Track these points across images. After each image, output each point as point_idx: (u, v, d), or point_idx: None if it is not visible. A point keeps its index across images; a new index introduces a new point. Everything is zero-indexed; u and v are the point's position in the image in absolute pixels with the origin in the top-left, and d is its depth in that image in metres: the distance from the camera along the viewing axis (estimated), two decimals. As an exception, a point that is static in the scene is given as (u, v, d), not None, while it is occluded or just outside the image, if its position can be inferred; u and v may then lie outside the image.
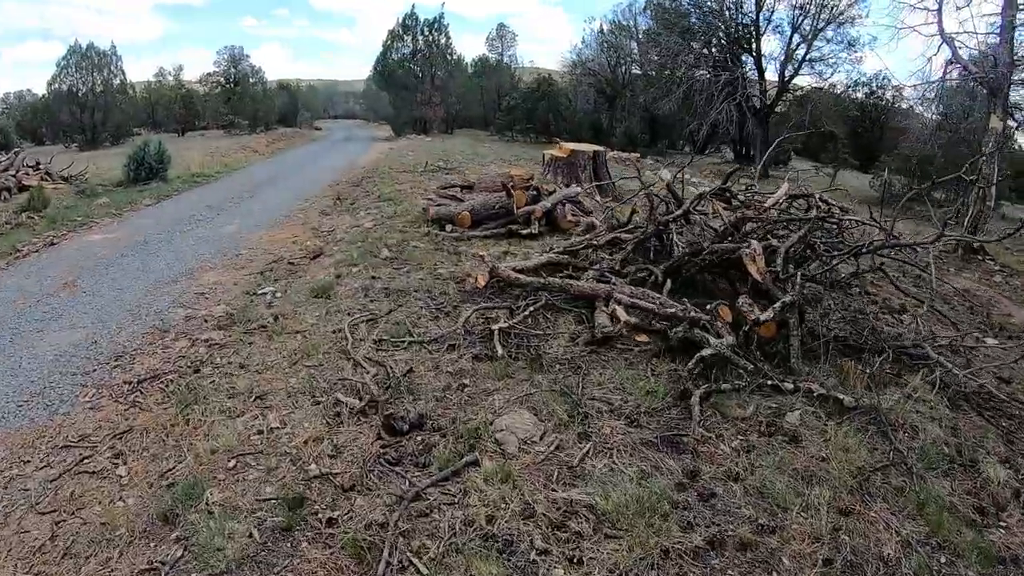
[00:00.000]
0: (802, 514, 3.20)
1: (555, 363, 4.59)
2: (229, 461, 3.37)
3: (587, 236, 7.08)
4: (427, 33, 36.05)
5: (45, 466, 3.49)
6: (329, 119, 60.17)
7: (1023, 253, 13.01)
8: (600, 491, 3.16)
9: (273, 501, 3.04)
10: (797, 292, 4.94)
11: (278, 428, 3.69)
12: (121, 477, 3.34)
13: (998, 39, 10.32)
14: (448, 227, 8.54)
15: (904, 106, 25.17)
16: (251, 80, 41.76)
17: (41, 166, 15.11)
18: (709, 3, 23.00)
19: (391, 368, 4.37)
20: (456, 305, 5.68)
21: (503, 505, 3.02)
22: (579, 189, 9.39)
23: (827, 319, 5.40)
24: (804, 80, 23.88)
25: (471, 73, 40.02)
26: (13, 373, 4.62)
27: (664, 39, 23.28)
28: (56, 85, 32.64)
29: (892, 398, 4.42)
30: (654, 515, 3.03)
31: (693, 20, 23.12)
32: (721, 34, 23.13)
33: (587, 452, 3.52)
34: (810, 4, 20.92)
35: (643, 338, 4.72)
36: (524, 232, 8.28)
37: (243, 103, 39.46)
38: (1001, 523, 3.48)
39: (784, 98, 22.96)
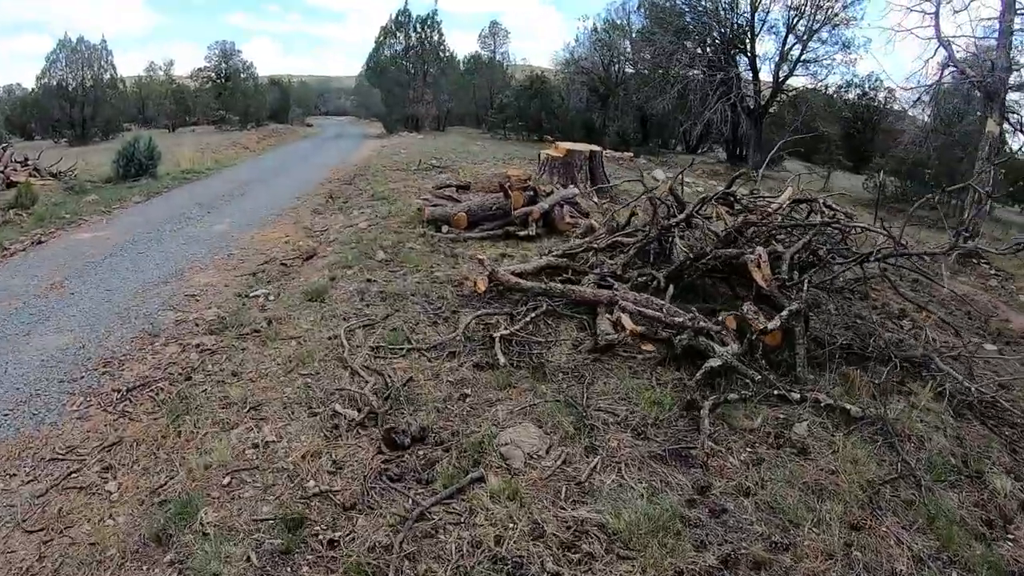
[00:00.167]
0: (814, 530, 3.14)
1: (558, 372, 4.48)
2: (223, 477, 3.23)
3: (587, 239, 6.98)
4: (420, 30, 35.79)
5: (32, 480, 3.34)
6: (320, 115, 59.75)
7: (1017, 257, 13.06)
8: (610, 508, 3.07)
9: (271, 521, 2.91)
10: (804, 300, 4.86)
11: (274, 441, 3.55)
12: (111, 493, 3.20)
13: (996, 43, 10.30)
14: (444, 228, 8.41)
15: (896, 108, 25.27)
16: (242, 75, 41.28)
17: (30, 162, 14.83)
18: (704, 3, 23.00)
19: (390, 377, 4.24)
20: (455, 310, 5.56)
21: (511, 525, 2.91)
22: (577, 190, 9.29)
23: (828, 325, 5.35)
24: (799, 81, 23.94)
25: (463, 70, 39.78)
26: (-1, 379, 4.47)
27: (659, 38, 23.19)
28: (46, 79, 32.19)
29: (898, 408, 4.38)
30: (666, 534, 2.94)
31: (688, 20, 23.05)
32: (716, 34, 23.09)
33: (595, 467, 3.42)
34: (805, 5, 20.95)
35: (649, 347, 4.62)
36: (521, 234, 8.17)
37: (234, 99, 39.00)
38: (1009, 536, 3.44)
39: (778, 99, 22.96)
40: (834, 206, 5.80)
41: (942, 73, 11.54)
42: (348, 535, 2.84)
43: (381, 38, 36.06)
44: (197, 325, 5.51)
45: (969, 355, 5.38)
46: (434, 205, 9.05)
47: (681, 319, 4.56)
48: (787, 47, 21.92)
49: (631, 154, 22.78)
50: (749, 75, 22.71)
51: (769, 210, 5.91)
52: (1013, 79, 10.54)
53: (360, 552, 2.72)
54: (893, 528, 3.26)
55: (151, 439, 3.64)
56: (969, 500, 3.67)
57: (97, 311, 5.83)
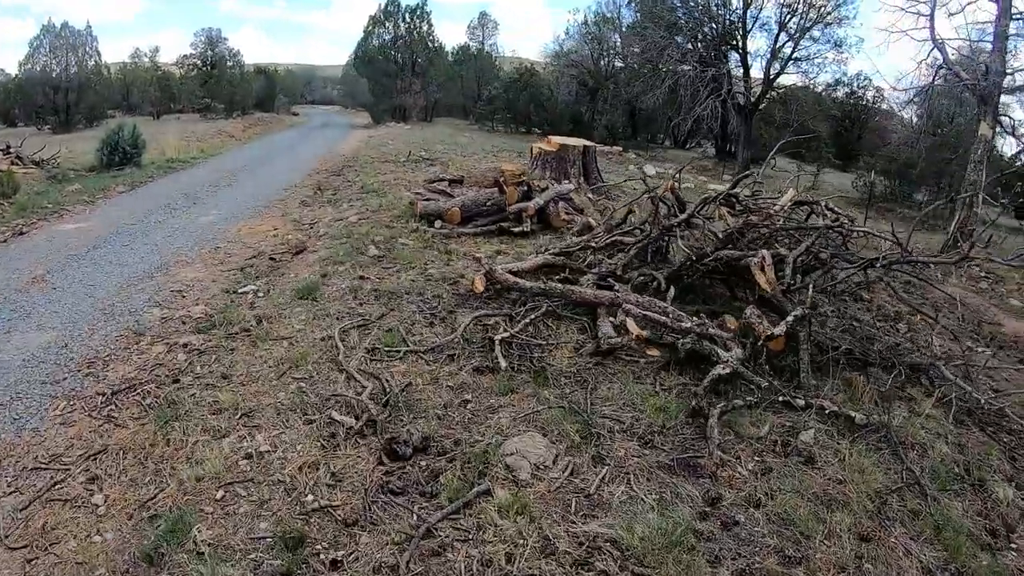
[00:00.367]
0: (825, 542, 3.10)
1: (560, 376, 4.37)
2: (217, 490, 3.08)
3: (584, 237, 6.86)
4: (409, 19, 35.45)
5: (13, 491, 3.17)
6: (306, 104, 59.11)
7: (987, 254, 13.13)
8: (622, 523, 2.97)
9: (269, 540, 2.76)
10: (808, 305, 4.78)
11: (268, 451, 3.39)
12: (97, 506, 3.03)
13: (990, 47, 10.30)
14: (437, 223, 8.25)
15: (884, 107, 25.42)
16: (228, 63, 40.67)
17: (12, 149, 14.46)
18: (696, -1, 22.92)
19: (387, 382, 4.10)
20: (451, 310, 5.42)
21: (521, 541, 2.79)
22: (572, 186, 9.16)
23: (824, 327, 5.29)
24: (790, 79, 23.96)
25: (452, 61, 39.44)
26: (-21, 380, 4.26)
27: (650, 33, 23.07)
28: (29, 65, 31.53)
29: (901, 414, 4.34)
30: (681, 549, 2.86)
31: (679, 15, 22.94)
32: (707, 29, 23.02)
33: (603, 478, 3.31)
34: (798, 3, 20.93)
35: (654, 352, 4.51)
36: (516, 230, 8.03)
37: (220, 87, 38.41)
38: (1012, 545, 3.44)
39: (768, 96, 22.97)
40: (836, 209, 5.73)
41: (935, 75, 11.57)
42: (351, 554, 2.71)
43: (370, 27, 35.67)
44: (184, 323, 5.32)
45: (969, 362, 5.38)
46: (426, 199, 8.88)
47: (688, 324, 4.46)
48: (779, 44, 21.94)
49: (620, 148, 22.71)
50: (740, 72, 22.66)
51: (770, 212, 5.82)
52: (1007, 83, 10.55)
53: (365, 573, 2.59)
54: (901, 539, 3.24)
55: (138, 447, 3.48)
56: (972, 509, 3.65)
57: (80, 307, 5.62)
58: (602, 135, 25.01)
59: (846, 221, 5.48)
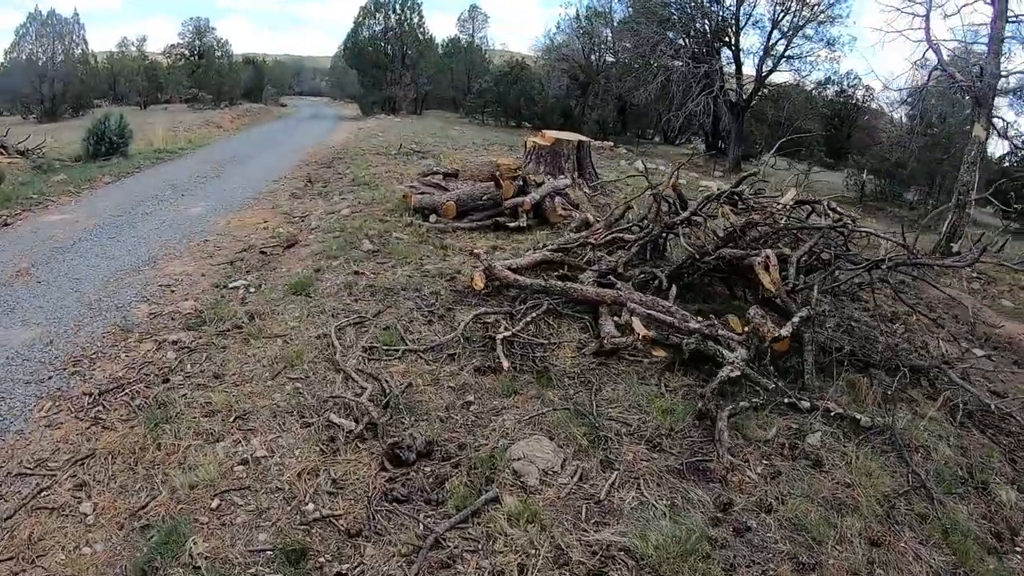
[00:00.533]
0: (837, 547, 3.08)
1: (564, 377, 4.27)
2: (211, 499, 2.93)
3: (583, 234, 6.75)
4: (399, 11, 35.06)
5: (-4, 498, 3.01)
6: (295, 96, 58.51)
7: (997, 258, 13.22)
8: (635, 530, 2.88)
9: (270, 552, 2.63)
10: (813, 306, 4.71)
11: (265, 456, 3.25)
12: (86, 515, 2.88)
13: (985, 49, 10.29)
14: (432, 217, 8.10)
15: (874, 106, 25.53)
16: (216, 53, 40.19)
17: (-3, 139, 14.11)
18: (689, -6, 22.79)
19: (387, 382, 3.97)
20: (449, 307, 5.30)
21: (533, 551, 2.69)
22: (568, 181, 9.05)
23: (825, 328, 5.22)
24: (782, 77, 23.95)
25: (442, 54, 39.14)
26: (-40, 379, 4.08)
27: (643, 28, 22.95)
28: (15, 53, 30.96)
29: (904, 417, 4.30)
30: (695, 557, 2.78)
31: (672, 10, 22.82)
32: (699, 25, 22.94)
33: (613, 483, 3.22)
34: (791, 0, 20.86)
35: (661, 353, 4.41)
36: (512, 225, 7.91)
37: (208, 77, 37.94)
38: (1017, 548, 3.45)
39: (760, 93, 22.94)
40: (839, 209, 5.66)
41: (929, 76, 11.55)
42: (356, 567, 2.58)
43: (360, 18, 35.23)
44: (173, 319, 5.15)
45: (974, 366, 5.36)
46: (421, 193, 8.74)
47: (696, 325, 4.36)
48: (772, 42, 21.89)
49: (611, 143, 22.62)
50: (732, 68, 22.63)
51: (772, 210, 5.74)
52: (1001, 84, 10.56)
53: (371, 588, 2.47)
54: (911, 544, 3.22)
55: (127, 451, 3.32)
56: (977, 512, 3.65)
57: (66, 302, 5.43)
58: (592, 130, 24.89)
59: (849, 221, 5.40)
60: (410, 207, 8.40)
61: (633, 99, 25.10)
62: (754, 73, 22.30)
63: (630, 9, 26.42)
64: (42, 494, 3.02)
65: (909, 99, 14.89)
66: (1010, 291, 9.83)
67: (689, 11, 22.83)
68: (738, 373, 4.03)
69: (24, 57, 30.76)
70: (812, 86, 25.13)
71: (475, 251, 6.34)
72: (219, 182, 11.46)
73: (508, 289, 5.56)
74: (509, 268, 5.70)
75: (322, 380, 4.06)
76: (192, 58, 39.41)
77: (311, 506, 2.91)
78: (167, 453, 3.31)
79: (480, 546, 2.72)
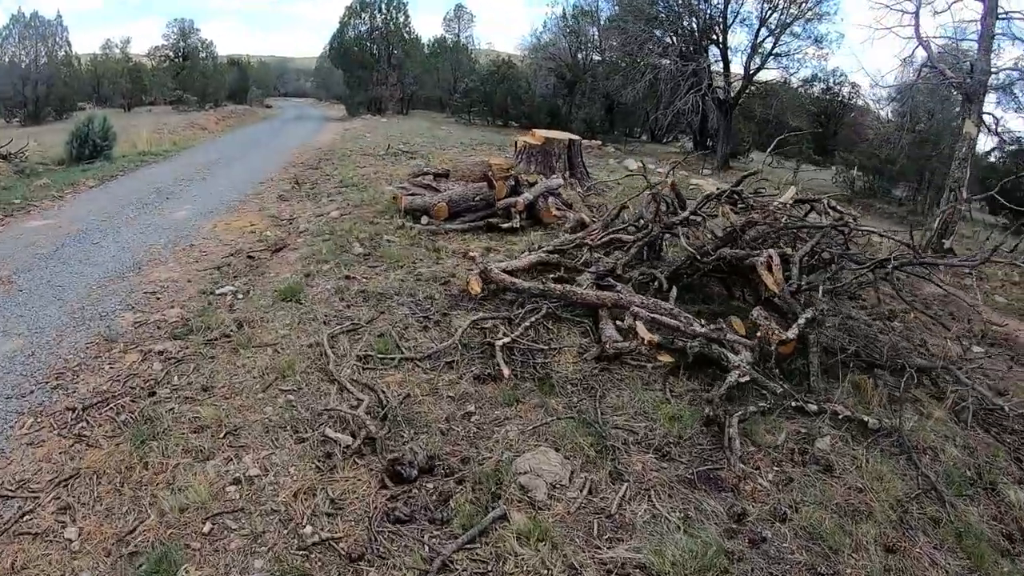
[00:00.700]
0: (853, 555, 3.03)
1: (566, 384, 4.14)
2: (203, 523, 2.76)
3: (579, 235, 6.62)
4: (385, 10, 34.77)
5: (-23, 524, 2.83)
6: (280, 97, 57.99)
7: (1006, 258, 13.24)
8: (650, 546, 2.77)
9: (267, 582, 2.48)
10: (818, 307, 4.62)
11: (258, 475, 3.08)
12: (71, 541, 2.70)
13: (975, 45, 10.27)
14: (423, 219, 7.95)
15: (860, 103, 25.61)
16: (201, 55, 39.84)
17: (-22, 143, 13.77)
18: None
19: (383, 393, 3.82)
20: (445, 312, 5.15)
21: (545, 571, 2.56)
22: (561, 181, 8.93)
23: (824, 327, 5.14)
24: (770, 74, 23.95)
25: (428, 53, 38.89)
26: (-62, 395, 3.88)
27: (631, 26, 22.87)
28: (-3, 56, 30.50)
29: (911, 418, 4.25)
30: (714, 572, 2.69)
31: (659, 8, 22.75)
32: (686, 23, 22.89)
33: (624, 495, 3.10)
34: (779, -2, 20.84)
35: (666, 358, 4.29)
36: (505, 226, 7.78)
37: (192, 78, 37.60)
38: None
39: (747, 91, 22.93)
40: (839, 208, 5.57)
41: (919, 73, 11.56)
42: (359, 595, 2.44)
43: (346, 18, 34.90)
44: (159, 328, 4.97)
45: (979, 365, 5.31)
46: (411, 194, 8.57)
47: (703, 329, 4.25)
48: (759, 40, 21.86)
49: (599, 142, 22.54)
50: (720, 66, 22.59)
51: (771, 209, 5.64)
52: (992, 81, 10.56)
53: (376, 617, 2.33)
54: (926, 549, 3.17)
55: (113, 471, 3.15)
56: (987, 514, 3.61)
57: (48, 311, 5.23)
58: (580, 129, 24.74)
59: (850, 220, 5.32)
60: (400, 209, 8.24)
61: (621, 98, 25.00)
62: (742, 71, 22.28)
63: (617, 7, 26.34)
64: (25, 518, 2.84)
65: (898, 96, 14.92)
66: (1003, 287, 9.83)
67: (676, 9, 22.76)
68: (748, 379, 3.91)
69: (6, 59, 30.43)
70: (798, 83, 25.22)
71: (470, 254, 6.19)
72: (205, 185, 11.24)
73: (504, 293, 5.43)
74: (505, 271, 5.58)
75: (316, 392, 3.90)
76: (177, 60, 39.14)
77: (309, 529, 2.75)
78: (155, 472, 3.14)
79: (490, 568, 2.58)
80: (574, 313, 5.12)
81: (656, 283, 5.53)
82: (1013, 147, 15.72)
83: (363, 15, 34.81)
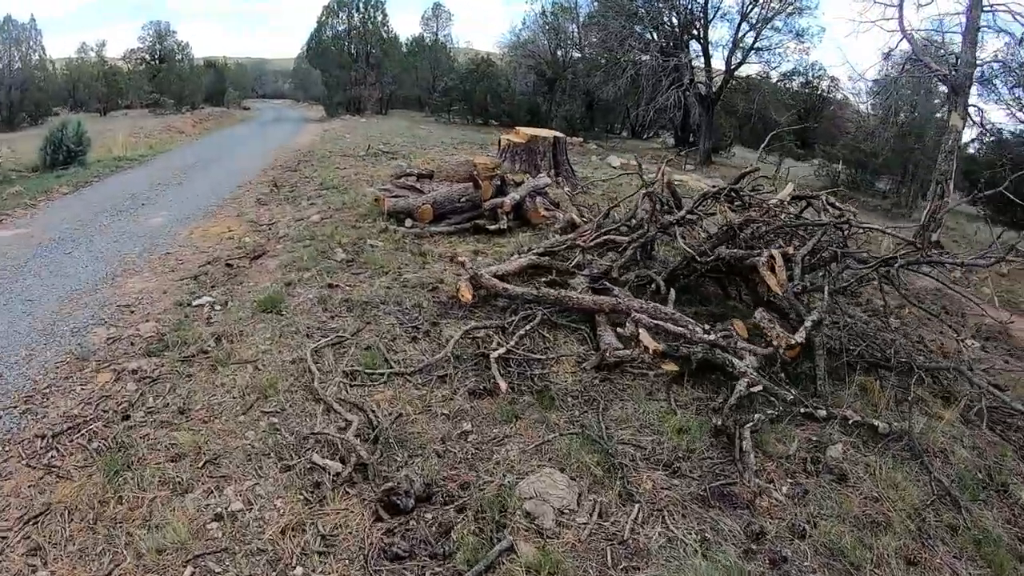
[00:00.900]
0: (875, 571, 2.95)
1: (566, 396, 3.94)
2: (183, 566, 2.51)
3: (570, 235, 6.43)
4: (363, 9, 34.31)
5: (-61, 571, 2.57)
6: (257, 98, 57.17)
7: (974, 247, 13.30)
8: (667, 573, 2.59)
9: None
10: (823, 309, 4.47)
11: (242, 510, 2.83)
12: (40, 589, 2.46)
13: (959, 38, 10.26)
14: (408, 222, 7.71)
15: (839, 96, 25.73)
16: (177, 57, 39.18)
17: (-51, 150, 13.37)
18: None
19: (373, 413, 3.58)
20: (434, 321, 4.92)
21: (559, 611, 2.36)
22: (548, 180, 8.73)
23: (825, 327, 5.01)
24: (752, 68, 23.96)
25: (406, 52, 38.48)
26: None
27: (611, 22, 22.73)
28: (-31, 61, 29.78)
29: (919, 420, 4.17)
30: (736, 598, 2.49)
31: (639, 4, 22.62)
32: (666, 18, 22.79)
33: (636, 518, 2.91)
34: (760, -9, 20.77)
35: (671, 367, 4.10)
36: (492, 228, 7.57)
37: (169, 81, 36.99)
38: None
39: (729, 85, 22.88)
40: (838, 204, 5.43)
41: (904, 66, 11.52)
42: (357, 647, 2.22)
43: (323, 18, 34.39)
44: (133, 344, 4.69)
45: (992, 366, 5.21)
46: (395, 196, 8.33)
47: (711, 337, 4.07)
48: (740, 34, 21.82)
49: (580, 139, 22.40)
50: (701, 62, 22.52)
51: (769, 206, 5.49)
52: (977, 73, 10.56)
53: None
54: (946, 558, 3.09)
55: (86, 505, 2.89)
56: (1001, 517, 3.56)
57: (18, 327, 4.93)
58: (560, 126, 24.58)
59: (850, 216, 5.18)
60: (383, 211, 8.00)
61: (602, 94, 24.88)
62: (723, 66, 22.23)
63: (596, 4, 26.19)
64: (-10, 563, 2.58)
65: (881, 90, 14.92)
66: (987, 278, 9.82)
67: (657, 4, 22.65)
68: (759, 388, 3.74)
69: (-21, 64, 29.71)
70: (777, 78, 25.25)
71: (458, 258, 5.96)
72: (181, 190, 10.91)
73: (495, 299, 5.22)
74: (495, 275, 5.37)
75: (300, 412, 3.65)
76: (153, 62, 38.47)
77: (299, 570, 2.50)
78: (130, 508, 2.88)
79: (499, 608, 2.37)
80: (570, 319, 4.93)
81: (653, 285, 5.35)
82: (992, 139, 15.81)
83: (341, 14, 34.32)
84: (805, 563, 2.87)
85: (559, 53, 30.26)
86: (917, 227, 10.32)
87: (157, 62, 38.48)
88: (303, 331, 4.73)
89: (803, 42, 22.38)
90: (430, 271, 6.11)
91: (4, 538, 2.75)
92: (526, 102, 29.95)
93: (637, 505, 2.99)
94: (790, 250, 4.84)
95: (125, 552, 2.62)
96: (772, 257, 4.66)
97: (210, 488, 2.98)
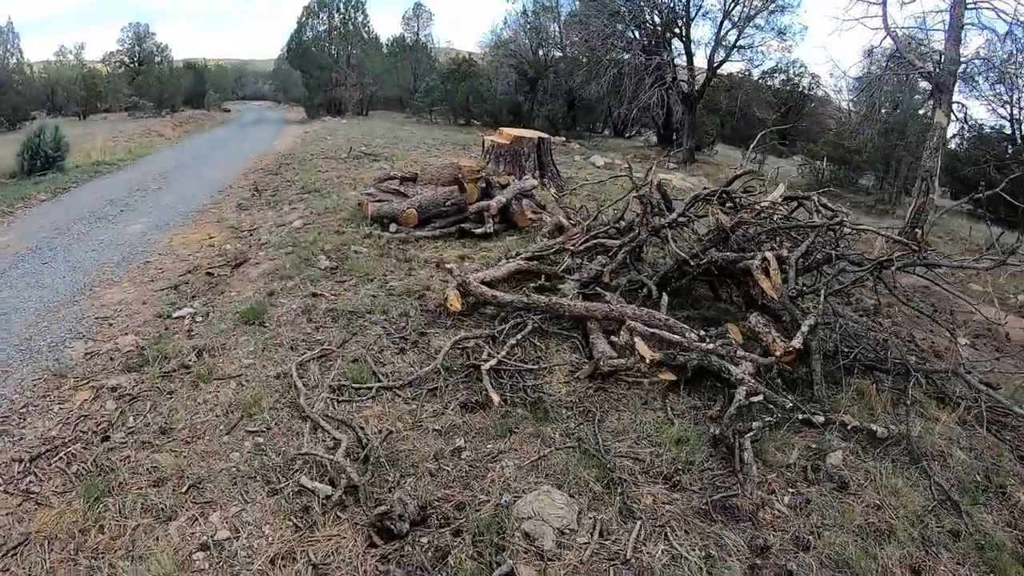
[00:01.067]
0: None
1: (561, 408, 3.85)
2: (169, 602, 2.41)
3: (559, 239, 6.34)
4: (344, 10, 34.00)
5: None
6: (237, 100, 56.44)
7: (957, 243, 13.40)
8: (673, 593, 2.49)
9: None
10: (820, 313, 4.41)
11: (229, 539, 2.70)
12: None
13: (943, 36, 10.30)
14: (392, 227, 7.57)
15: (820, 94, 25.89)
16: (157, 59, 38.54)
17: (-75, 157, 13.04)
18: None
19: (362, 430, 3.46)
20: (422, 331, 4.79)
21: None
22: (534, 182, 8.63)
23: (817, 330, 4.97)
24: (735, 66, 24.03)
25: (387, 53, 38.21)
26: None
27: (593, 21, 22.67)
28: (-55, 65, 29.13)
29: (916, 423, 4.13)
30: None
31: (621, 3, 22.57)
32: (648, 17, 22.78)
33: (638, 536, 2.82)
34: (742, -10, 20.81)
35: (668, 376, 4.02)
36: (478, 231, 7.47)
37: (148, 84, 36.33)
38: None
39: (712, 83, 22.93)
40: (830, 205, 5.38)
41: (888, 63, 11.57)
42: None
43: (304, 19, 34.03)
44: (112, 359, 4.54)
45: (991, 369, 5.19)
46: (378, 200, 8.18)
47: (711, 346, 3.99)
48: (723, 32, 21.86)
49: (563, 139, 22.34)
50: (684, 60, 22.54)
51: (758, 208, 5.43)
52: (960, 70, 10.63)
53: None
54: (950, 566, 3.06)
55: (66, 535, 2.74)
56: (1001, 520, 3.53)
57: (-9, 343, 4.75)
58: (543, 125, 24.51)
59: (843, 218, 5.13)
60: (367, 216, 7.85)
61: (584, 93, 24.83)
62: (706, 64, 22.27)
63: (578, 2, 26.14)
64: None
65: (864, 88, 15.01)
66: (977, 275, 9.86)
67: (639, 3, 22.62)
68: (760, 397, 3.67)
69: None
70: (758, 76, 25.36)
71: (445, 264, 5.84)
72: (161, 195, 10.70)
73: (485, 306, 5.11)
74: (483, 282, 5.26)
75: (287, 431, 3.51)
76: (132, 65, 37.82)
77: (290, 604, 2.40)
78: (111, 537, 2.74)
79: (502, 639, 2.27)
80: (561, 326, 4.83)
81: (645, 290, 5.27)
82: (973, 135, 15.97)
83: (321, 15, 34.00)
84: (811, 576, 2.80)
85: (541, 52, 30.16)
86: (905, 224, 10.36)
87: (136, 65, 37.82)
88: (287, 343, 4.59)
89: (785, 40, 22.52)
90: (416, 278, 5.99)
91: (-19, 572, 2.61)
92: (508, 102, 29.82)
93: (639, 522, 2.90)
94: (784, 252, 4.78)
95: (106, 587, 2.48)
96: (766, 260, 4.59)
97: (195, 515, 2.85)
